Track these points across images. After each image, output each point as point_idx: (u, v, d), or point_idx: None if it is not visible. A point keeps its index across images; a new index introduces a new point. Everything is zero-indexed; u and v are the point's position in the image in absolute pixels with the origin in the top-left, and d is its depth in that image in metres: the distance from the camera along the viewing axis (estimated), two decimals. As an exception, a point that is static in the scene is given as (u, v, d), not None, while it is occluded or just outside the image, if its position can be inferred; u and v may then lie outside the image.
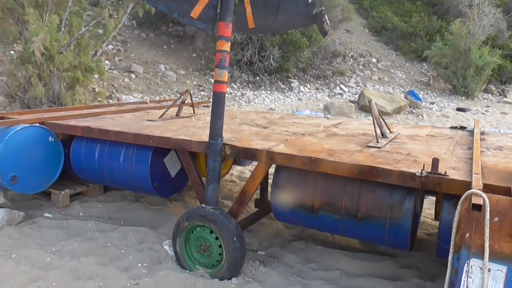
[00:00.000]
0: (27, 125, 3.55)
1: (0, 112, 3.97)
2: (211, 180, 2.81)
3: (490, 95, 16.75)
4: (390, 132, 3.53)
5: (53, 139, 3.71)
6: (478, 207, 1.51)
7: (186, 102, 4.64)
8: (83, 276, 2.85)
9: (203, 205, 2.87)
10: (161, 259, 3.08)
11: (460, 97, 15.66)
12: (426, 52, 16.94)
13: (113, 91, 9.44)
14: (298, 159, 2.61)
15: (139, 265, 2.97)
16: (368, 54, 18.20)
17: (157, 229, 3.61)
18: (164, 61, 12.07)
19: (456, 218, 1.66)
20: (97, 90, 8.66)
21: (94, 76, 7.98)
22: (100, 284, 2.72)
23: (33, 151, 3.58)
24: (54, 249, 3.20)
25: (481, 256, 1.51)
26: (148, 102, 5.77)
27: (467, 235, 1.55)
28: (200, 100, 10.49)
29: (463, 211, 1.66)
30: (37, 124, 3.64)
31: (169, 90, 10.64)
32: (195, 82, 11.66)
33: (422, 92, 16.11)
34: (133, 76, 10.56)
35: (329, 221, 2.64)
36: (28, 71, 6.42)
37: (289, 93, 13.07)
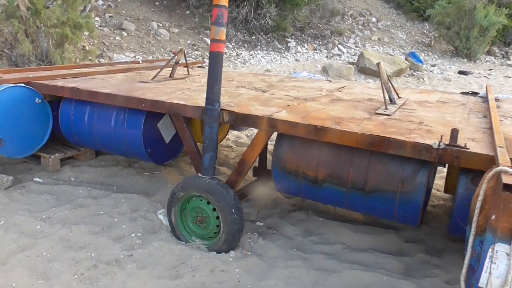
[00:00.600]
0: (11, 85, 3.30)
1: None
2: (208, 148, 2.63)
3: (493, 57, 16.39)
4: (399, 97, 3.33)
5: (40, 101, 3.48)
6: (510, 187, 1.35)
7: (180, 62, 4.37)
8: (74, 245, 2.73)
9: (199, 174, 2.71)
10: (155, 229, 2.96)
11: (462, 59, 15.32)
12: (429, 11, 16.38)
13: (104, 49, 9.03)
14: (302, 127, 2.43)
15: (133, 235, 2.85)
16: (368, 13, 17.60)
17: (151, 196, 3.47)
18: (156, 18, 11.54)
19: (480, 198, 1.50)
20: (87, 48, 8.27)
21: (84, 33, 7.58)
22: (92, 254, 2.60)
23: (19, 113, 3.35)
24: (44, 216, 3.06)
25: (508, 241, 1.37)
26: (141, 61, 5.48)
27: (493, 217, 1.40)
28: (194, 60, 10.11)
29: (488, 189, 1.50)
30: (22, 84, 3.40)
31: (162, 49, 10.23)
32: (188, 41, 11.21)
33: (423, 54, 15.74)
34: (125, 34, 10.10)
35: (333, 193, 2.50)
36: (14, 27, 6.04)
37: (286, 53, 12.68)
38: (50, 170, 3.77)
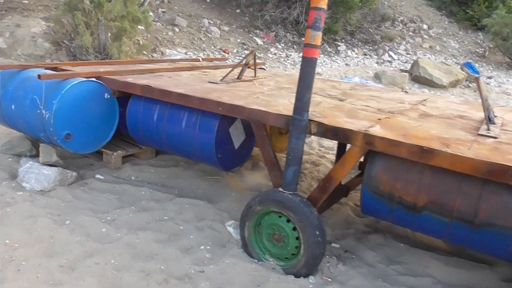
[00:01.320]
0: (83, 79, 3.21)
1: (52, 62, 3.65)
2: (292, 162, 2.41)
3: (553, 72, 15.32)
4: (495, 116, 2.99)
5: (109, 96, 3.38)
6: None
7: (242, 63, 4.17)
8: (141, 253, 2.58)
9: (280, 189, 2.49)
10: (224, 241, 2.78)
11: (519, 72, 14.43)
12: (485, 21, 15.55)
13: (157, 44, 9.03)
14: (405, 147, 2.16)
15: (202, 247, 2.68)
16: (419, 20, 16.96)
17: (215, 203, 3.30)
18: (207, 15, 11.49)
19: None
20: (141, 42, 8.28)
21: (140, 27, 7.57)
22: (162, 267, 2.44)
23: (89, 108, 3.26)
24: (109, 218, 2.94)
25: None
26: (201, 60, 5.35)
27: None
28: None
29: None
30: (94, 79, 3.30)
31: (212, 47, 10.15)
32: (238, 40, 11.08)
33: (477, 65, 14.95)
34: (177, 29, 10.09)
35: (433, 223, 2.22)
36: (77, 19, 6.07)
37: (336, 57, 12.33)
38: (112, 167, 3.68)
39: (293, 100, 2.43)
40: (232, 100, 2.88)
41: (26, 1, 7.95)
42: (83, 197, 3.21)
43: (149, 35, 8.88)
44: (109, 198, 3.23)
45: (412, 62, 13.59)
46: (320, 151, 4.90)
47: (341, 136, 2.39)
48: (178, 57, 7.90)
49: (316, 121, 2.46)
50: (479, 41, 17.46)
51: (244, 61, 3.87)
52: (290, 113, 2.45)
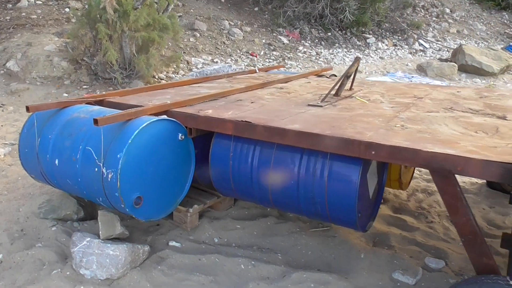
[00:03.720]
0: (152, 118, 2.29)
1: (94, 94, 2.71)
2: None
3: None
4: None
5: (183, 137, 2.46)
6: None
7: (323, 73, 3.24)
8: None
9: (506, 277, 1.57)
10: None
11: (555, 52, 13.44)
12: (512, -2, 14.63)
13: (181, 52, 8.11)
14: None
15: None
16: (440, 4, 16.02)
17: (347, 276, 2.38)
18: (226, 16, 10.54)
19: None
20: (163, 53, 7.33)
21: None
22: None
23: (161, 156, 2.34)
24: (213, 319, 2.03)
25: None
26: (257, 70, 4.43)
27: None
28: (275, 63, 9.02)
29: None
30: (165, 117, 2.38)
31: (238, 51, 9.21)
32: (263, 41, 10.14)
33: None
34: (198, 34, 9.16)
35: None
36: (100, 32, 5.13)
37: (367, 50, 11.37)
38: (188, 228, 2.76)
39: (454, 126, 1.52)
40: (380, 137, 1.96)
41: (35, 16, 7.03)
42: (166, 282, 2.29)
43: (170, 44, 7.96)
44: (201, 281, 2.31)
45: (446, 49, 12.66)
46: (420, 170, 3.96)
47: None
48: (213, 67, 6.97)
49: None
50: (505, 21, 16.54)
51: (346, 72, 2.93)
52: (493, 154, 1.53)
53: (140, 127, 2.17)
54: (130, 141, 2.13)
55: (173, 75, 6.99)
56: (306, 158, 2.20)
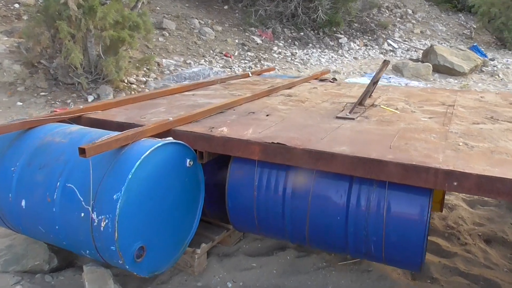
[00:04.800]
0: (158, 142, 1.74)
1: (71, 109, 2.09)
2: None
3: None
4: None
5: (191, 163, 1.92)
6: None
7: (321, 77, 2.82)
8: None
9: None
10: None
11: (510, 51, 14.00)
12: (473, 1, 15.21)
13: (149, 53, 7.44)
14: None
15: None
16: (402, 5, 16.32)
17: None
18: (195, 14, 9.95)
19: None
20: (131, 54, 6.64)
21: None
22: None
23: (165, 190, 1.80)
24: None
25: None
26: (250, 74, 3.95)
27: None
28: (252, 64, 8.53)
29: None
30: (170, 139, 1.84)
31: (211, 51, 8.64)
32: (236, 40, 9.64)
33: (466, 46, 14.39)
34: (167, 34, 8.52)
35: None
36: (61, 31, 4.43)
37: (340, 51, 11.17)
38: (195, 272, 2.23)
39: None
40: (433, 156, 1.55)
41: (-21, 13, 6.14)
42: None
43: (139, 45, 7.27)
44: None
45: (414, 49, 12.74)
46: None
47: None
48: (191, 70, 6.40)
49: None
50: (462, 22, 17.11)
51: (374, 79, 2.51)
52: None
53: (143, 156, 1.62)
54: (130, 176, 1.58)
55: (144, 79, 6.34)
56: (357, 187, 1.74)
